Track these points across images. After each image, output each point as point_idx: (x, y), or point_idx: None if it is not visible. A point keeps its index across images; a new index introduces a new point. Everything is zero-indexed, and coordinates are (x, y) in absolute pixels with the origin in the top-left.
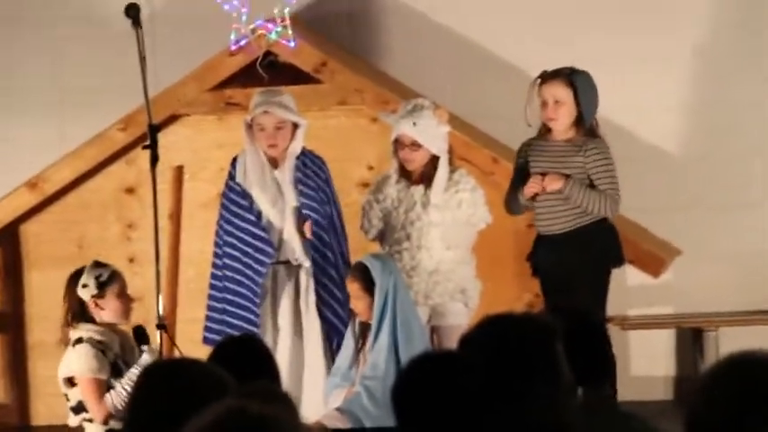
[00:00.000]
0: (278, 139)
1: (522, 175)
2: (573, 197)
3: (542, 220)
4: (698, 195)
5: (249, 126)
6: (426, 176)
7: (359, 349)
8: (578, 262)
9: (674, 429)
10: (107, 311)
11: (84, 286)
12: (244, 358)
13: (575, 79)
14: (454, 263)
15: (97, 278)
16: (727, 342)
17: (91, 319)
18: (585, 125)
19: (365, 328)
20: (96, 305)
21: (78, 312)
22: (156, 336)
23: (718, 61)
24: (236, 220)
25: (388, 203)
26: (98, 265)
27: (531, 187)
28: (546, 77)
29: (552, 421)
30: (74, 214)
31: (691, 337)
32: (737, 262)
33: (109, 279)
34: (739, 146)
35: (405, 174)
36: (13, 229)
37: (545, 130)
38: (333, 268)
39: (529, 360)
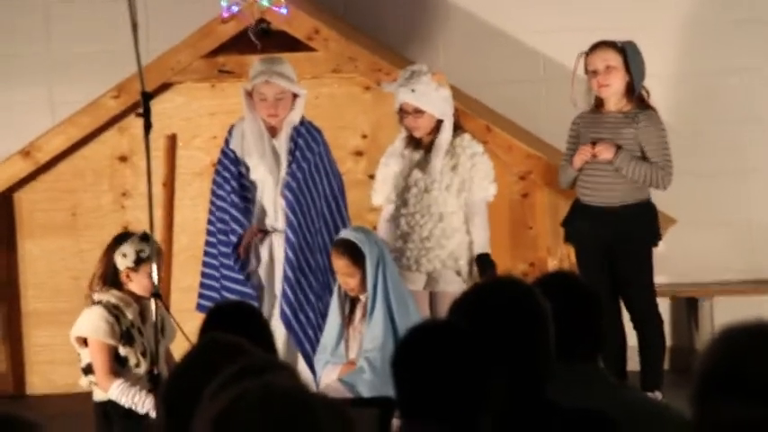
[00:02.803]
0: (278, 108)
1: (573, 148)
2: (623, 169)
3: (589, 191)
4: (691, 164)
5: (249, 94)
6: (432, 142)
7: (346, 324)
8: (621, 239)
9: (670, 398)
10: (135, 284)
11: (124, 256)
12: (238, 324)
13: (624, 45)
14: (449, 229)
15: (138, 253)
16: (723, 311)
17: (119, 285)
18: (635, 92)
19: (354, 302)
20: (128, 276)
21: (110, 277)
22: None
23: (709, 29)
24: (226, 186)
25: (392, 170)
26: (144, 239)
27: (582, 156)
28: (592, 48)
29: (536, 398)
30: (67, 182)
31: (686, 307)
32: (732, 231)
33: (148, 257)
34: (731, 113)
35: (414, 141)
36: (6, 197)
37: (598, 103)
38: (312, 237)
39: (513, 336)
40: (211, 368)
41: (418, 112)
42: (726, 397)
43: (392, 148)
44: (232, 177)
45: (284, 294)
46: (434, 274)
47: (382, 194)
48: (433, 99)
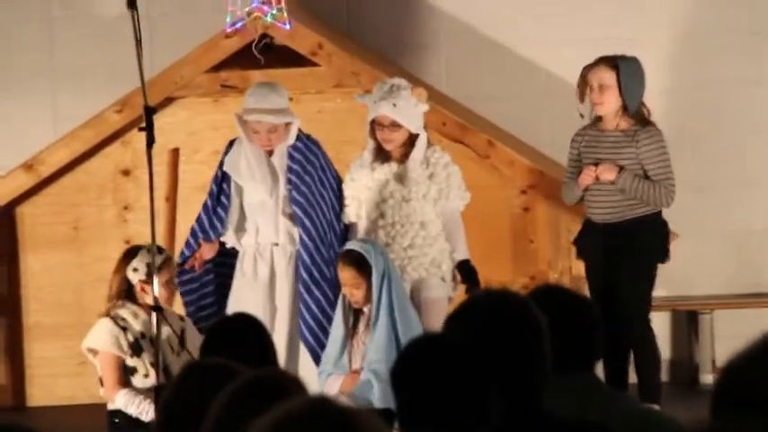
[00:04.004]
0: (272, 141)
1: (576, 166)
2: (627, 189)
3: (595, 208)
4: (692, 176)
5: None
6: (404, 154)
7: (351, 336)
8: (625, 253)
9: (670, 410)
10: (150, 296)
11: (135, 270)
12: (240, 336)
13: (619, 63)
14: (430, 237)
15: (149, 265)
16: (722, 325)
17: (134, 299)
18: (630, 111)
19: (358, 314)
20: (142, 289)
21: (124, 292)
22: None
23: (709, 41)
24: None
25: (362, 184)
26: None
27: (585, 179)
28: (592, 64)
29: (533, 409)
30: (70, 196)
31: (686, 320)
32: (732, 244)
33: (159, 267)
34: (732, 126)
35: (382, 153)
36: (9, 211)
37: (597, 119)
38: (326, 250)
39: (508, 347)
40: (204, 388)
41: (395, 125)
42: (736, 407)
43: (360, 160)
44: (208, 194)
45: (301, 315)
46: (418, 284)
47: (353, 210)
48: (411, 114)
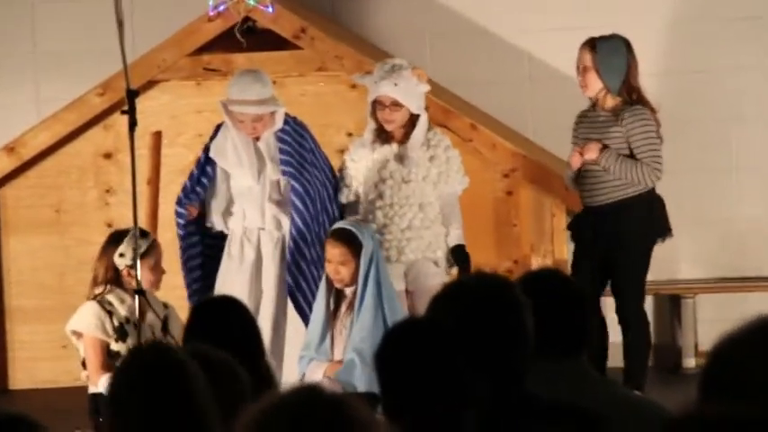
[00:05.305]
0: (257, 129)
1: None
2: (609, 168)
3: (584, 191)
4: (675, 163)
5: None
6: (405, 135)
7: (333, 318)
8: (617, 234)
9: (653, 395)
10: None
11: (121, 255)
12: (223, 320)
13: (597, 44)
14: (427, 220)
15: (135, 250)
16: (705, 309)
17: (121, 284)
18: (612, 92)
19: (339, 296)
20: (129, 274)
21: (112, 278)
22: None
23: (697, 27)
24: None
25: (363, 164)
26: (139, 234)
27: (573, 159)
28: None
29: (517, 392)
30: (52, 179)
31: (669, 304)
32: (715, 229)
33: (145, 251)
34: (718, 111)
35: (383, 134)
36: None
37: (594, 101)
38: (312, 233)
39: (492, 329)
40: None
41: (396, 105)
42: (723, 391)
43: (361, 140)
44: (188, 177)
45: (291, 291)
46: (414, 268)
47: (353, 190)
48: (412, 94)
